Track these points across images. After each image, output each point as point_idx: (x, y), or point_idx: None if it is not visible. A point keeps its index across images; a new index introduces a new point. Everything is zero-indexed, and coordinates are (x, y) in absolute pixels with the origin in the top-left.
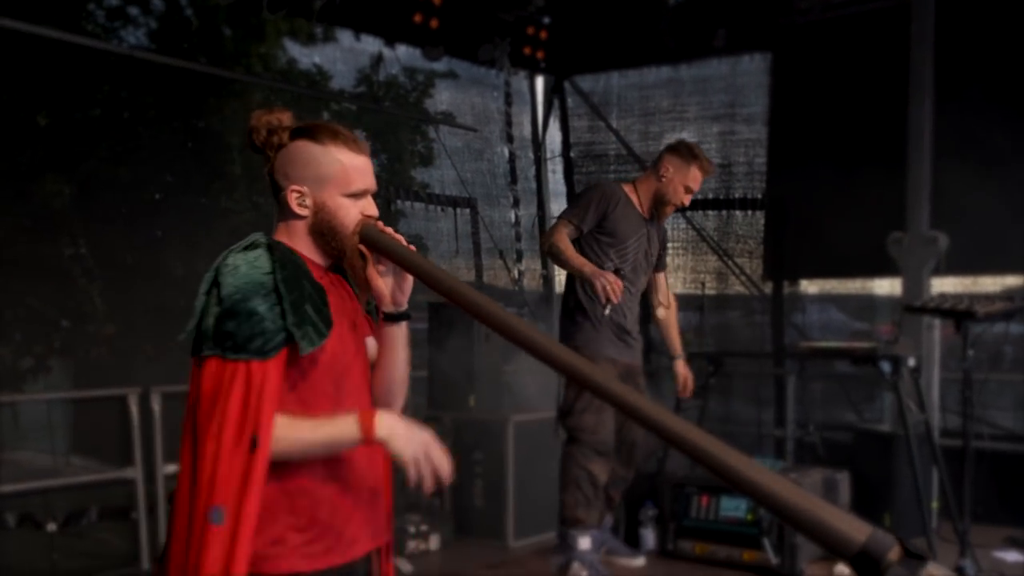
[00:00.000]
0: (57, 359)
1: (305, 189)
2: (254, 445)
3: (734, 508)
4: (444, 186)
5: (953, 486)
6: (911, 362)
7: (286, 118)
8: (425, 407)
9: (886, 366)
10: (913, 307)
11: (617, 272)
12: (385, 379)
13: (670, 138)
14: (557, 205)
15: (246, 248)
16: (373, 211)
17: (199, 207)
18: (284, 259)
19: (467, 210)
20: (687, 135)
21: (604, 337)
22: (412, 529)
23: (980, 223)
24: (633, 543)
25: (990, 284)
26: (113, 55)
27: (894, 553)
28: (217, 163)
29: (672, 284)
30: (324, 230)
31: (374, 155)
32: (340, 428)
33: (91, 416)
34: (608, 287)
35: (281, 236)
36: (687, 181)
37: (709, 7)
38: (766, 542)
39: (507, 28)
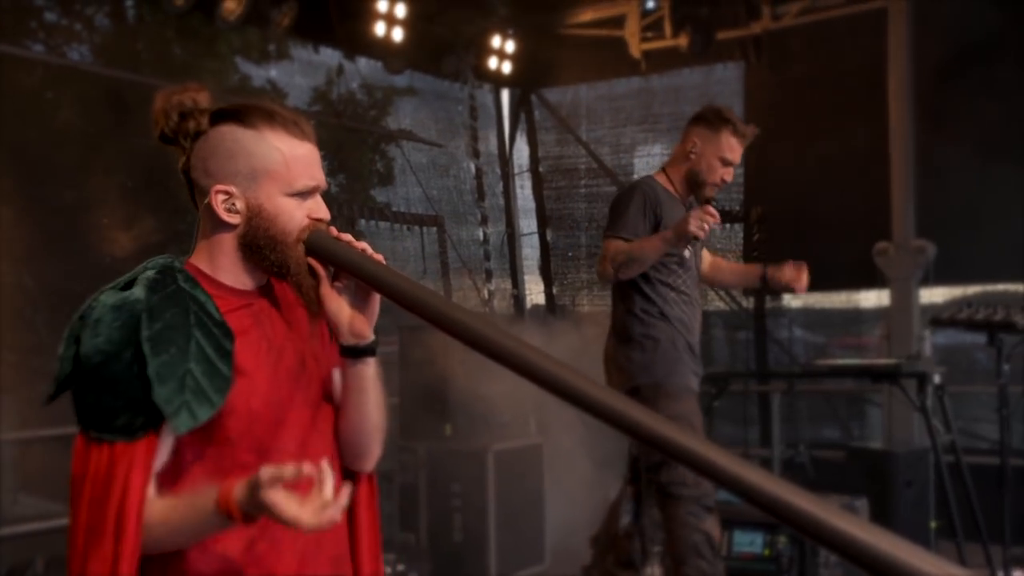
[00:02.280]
0: (8, 396)
1: (234, 189)
2: (119, 538)
3: (748, 543)
4: (409, 204)
5: (959, 506)
6: (936, 378)
7: (203, 98)
8: (398, 437)
9: (910, 384)
10: (941, 320)
11: (673, 288)
12: (352, 428)
13: (642, 150)
14: (526, 222)
15: (124, 285)
16: (323, 213)
17: (150, 231)
18: (165, 301)
19: (434, 228)
20: (660, 146)
21: (685, 365)
22: (388, 569)
23: (968, 230)
24: None
25: (979, 293)
26: (55, 70)
27: None
28: (169, 184)
29: None
30: (260, 241)
31: (332, 174)
32: (199, 508)
33: (41, 456)
34: (703, 221)
35: (200, 255)
36: (721, 152)
37: (681, 15)
38: None
39: (471, 40)
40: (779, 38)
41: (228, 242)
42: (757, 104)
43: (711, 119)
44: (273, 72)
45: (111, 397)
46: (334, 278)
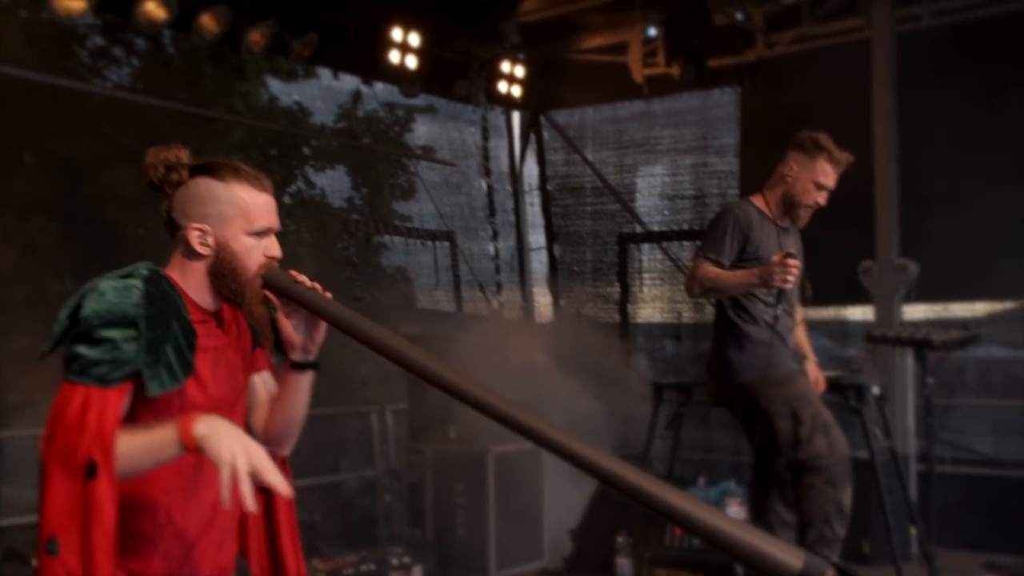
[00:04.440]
0: (44, 395)
1: (207, 227)
2: (92, 472)
3: None
4: (423, 220)
5: (923, 511)
6: (875, 390)
7: (184, 155)
8: (406, 439)
9: (850, 394)
10: (874, 336)
11: (762, 300)
12: (284, 420)
13: (645, 170)
14: (535, 237)
15: (122, 276)
16: (276, 252)
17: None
18: (157, 294)
19: (446, 243)
20: (661, 167)
21: (783, 355)
22: (395, 560)
23: (949, 251)
24: (610, 572)
25: (960, 310)
26: (97, 94)
27: None
28: None
29: (650, 314)
30: (225, 271)
31: (355, 189)
32: (159, 432)
33: None
34: (784, 274)
35: (175, 272)
36: (815, 177)
37: (674, 45)
38: (738, 569)
39: (483, 65)
40: (773, 65)
41: (199, 269)
42: (752, 127)
43: (807, 146)
44: (297, 95)
45: (97, 351)
46: (285, 305)
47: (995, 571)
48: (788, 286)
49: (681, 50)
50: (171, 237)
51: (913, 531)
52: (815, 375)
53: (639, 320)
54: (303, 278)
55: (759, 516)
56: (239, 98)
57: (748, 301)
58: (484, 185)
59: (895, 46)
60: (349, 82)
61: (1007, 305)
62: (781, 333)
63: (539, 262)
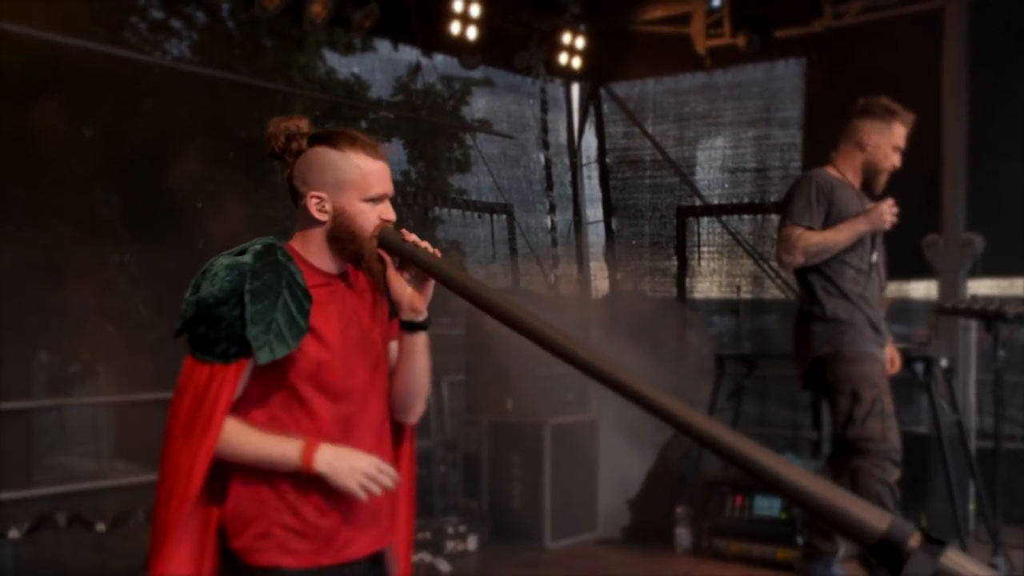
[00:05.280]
0: (104, 365)
1: (324, 195)
2: (199, 441)
3: (768, 507)
4: (481, 192)
5: (987, 486)
6: (943, 363)
7: (304, 124)
8: (463, 411)
9: (918, 367)
10: (944, 308)
11: (851, 266)
12: (402, 386)
13: (705, 143)
14: (593, 210)
15: (238, 253)
16: (391, 215)
17: (242, 216)
18: (266, 267)
19: (503, 216)
20: (722, 140)
21: (863, 335)
22: (450, 529)
23: (1016, 225)
24: (668, 542)
25: None
26: (157, 67)
27: (914, 539)
28: (259, 173)
29: (708, 288)
30: (343, 235)
31: (412, 162)
32: (282, 451)
33: (135, 420)
34: (888, 212)
35: (296, 241)
36: (895, 141)
37: (740, 15)
38: (800, 540)
39: (543, 36)
40: (839, 36)
41: (318, 235)
42: (817, 99)
43: (880, 112)
44: (356, 68)
45: (216, 330)
46: (398, 266)
47: None
48: (889, 225)
49: (747, 21)
50: (294, 204)
51: (972, 506)
52: (891, 354)
53: (697, 294)
54: (412, 236)
55: None
56: (298, 71)
57: (837, 274)
58: (542, 158)
59: (969, 15)
60: (408, 54)
61: None
62: (869, 306)
63: (596, 235)
